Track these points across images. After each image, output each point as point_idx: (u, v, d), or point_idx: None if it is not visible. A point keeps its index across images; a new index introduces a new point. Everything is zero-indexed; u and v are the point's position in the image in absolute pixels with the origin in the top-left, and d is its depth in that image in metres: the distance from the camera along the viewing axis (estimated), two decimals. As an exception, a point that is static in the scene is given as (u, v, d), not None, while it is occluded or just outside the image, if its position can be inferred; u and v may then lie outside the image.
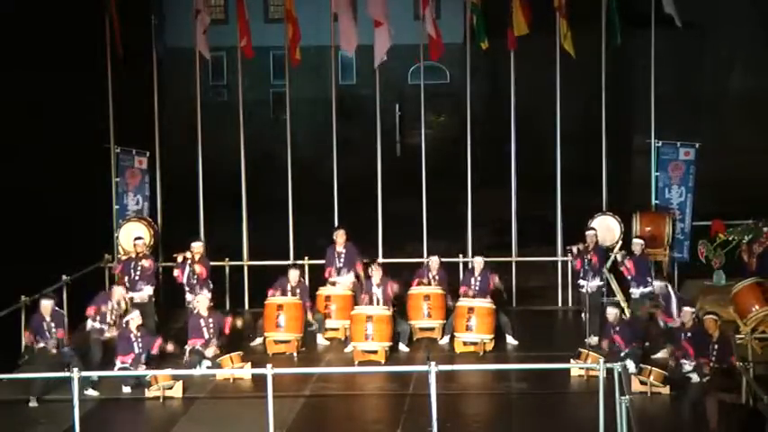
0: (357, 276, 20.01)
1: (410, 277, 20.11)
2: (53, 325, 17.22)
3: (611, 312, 17.71)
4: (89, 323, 18.18)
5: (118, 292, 18.46)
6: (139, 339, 17.29)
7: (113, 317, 18.09)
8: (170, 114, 26.87)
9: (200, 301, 18.15)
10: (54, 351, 17.06)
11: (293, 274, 19.44)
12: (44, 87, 24.89)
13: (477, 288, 19.40)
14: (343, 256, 20.11)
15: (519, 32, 21.55)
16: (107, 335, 18.02)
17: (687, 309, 17.35)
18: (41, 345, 17.07)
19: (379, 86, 22.39)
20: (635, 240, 19.76)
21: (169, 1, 24.09)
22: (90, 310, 18.16)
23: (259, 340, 19.35)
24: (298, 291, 19.38)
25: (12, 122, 24.17)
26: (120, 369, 17.13)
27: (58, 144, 24.82)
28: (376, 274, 19.28)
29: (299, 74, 23.75)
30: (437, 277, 19.81)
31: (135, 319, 17.40)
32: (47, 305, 17.38)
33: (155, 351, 17.37)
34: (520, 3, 21.51)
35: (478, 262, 19.63)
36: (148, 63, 22.67)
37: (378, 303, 19.00)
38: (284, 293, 19.29)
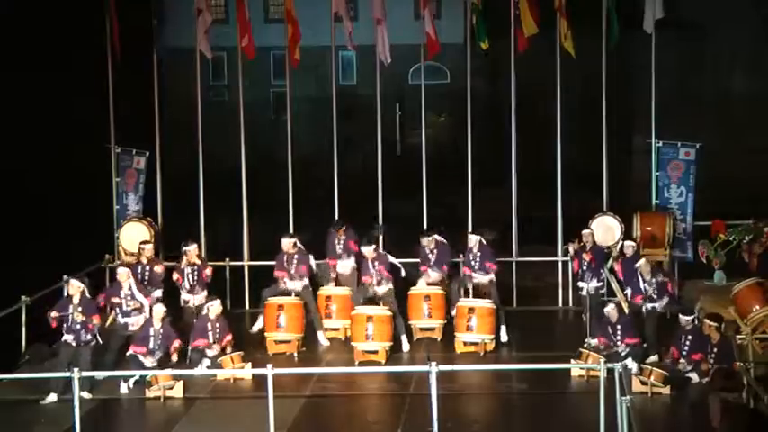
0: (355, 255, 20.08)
1: (410, 277, 20.11)
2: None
3: (610, 309, 17.70)
4: (116, 317, 18.22)
5: (123, 272, 18.37)
6: (160, 336, 17.28)
7: (130, 305, 18.06)
8: (170, 114, 26.83)
9: (214, 305, 18.12)
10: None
11: (286, 243, 19.47)
12: (44, 87, 24.83)
13: (477, 265, 19.41)
14: (342, 242, 20.16)
15: (529, 32, 21.55)
16: (132, 329, 17.96)
17: (683, 317, 17.34)
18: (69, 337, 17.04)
19: (379, 86, 22.40)
20: (626, 242, 19.72)
21: (169, 1, 24.07)
22: (100, 297, 18.09)
23: (259, 323, 19.29)
24: (295, 258, 19.41)
25: (12, 122, 24.13)
26: (130, 357, 17.14)
27: (58, 144, 24.76)
28: (368, 254, 19.36)
29: (299, 74, 23.74)
30: (435, 251, 19.82)
31: (159, 313, 17.42)
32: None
33: (172, 351, 17.31)
34: (528, 2, 21.50)
35: (474, 239, 19.64)
36: (148, 63, 22.67)
37: (379, 281, 19.06)
38: (284, 268, 19.36)
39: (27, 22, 24.74)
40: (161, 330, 17.35)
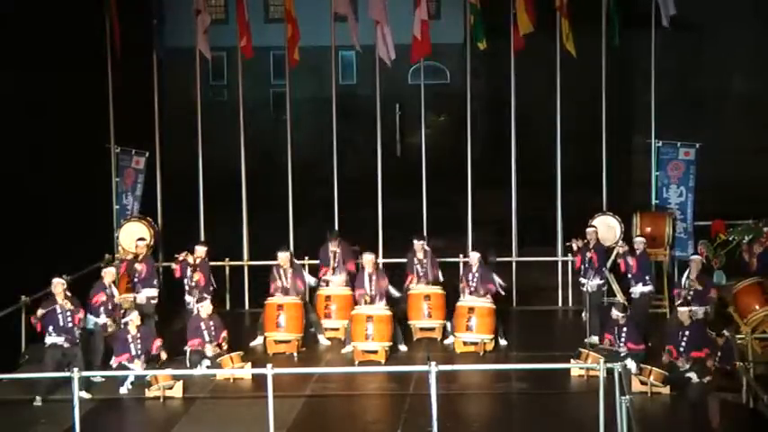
0: (349, 274, 20.03)
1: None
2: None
3: (616, 313, 17.67)
4: (91, 319, 18.06)
5: (109, 273, 18.35)
6: (138, 341, 17.24)
7: (112, 307, 18.07)
8: (170, 114, 26.85)
9: (204, 305, 18.15)
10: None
11: (282, 256, 19.45)
12: (44, 87, 24.85)
13: (475, 284, 19.39)
14: (338, 254, 20.12)
15: (524, 31, 21.53)
16: (110, 329, 18.00)
17: (682, 309, 17.36)
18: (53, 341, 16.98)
19: (379, 86, 22.40)
20: (637, 239, 19.73)
21: (169, 1, 24.05)
22: (100, 296, 18.07)
23: (259, 340, 19.36)
24: (289, 272, 19.38)
25: (12, 122, 24.15)
26: (118, 369, 17.11)
27: (58, 144, 24.77)
28: (368, 264, 19.32)
29: (299, 74, 23.76)
30: (425, 261, 19.79)
31: (134, 320, 17.37)
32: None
33: (155, 351, 17.35)
34: (524, 1, 21.50)
35: (474, 257, 19.63)
36: (148, 63, 22.67)
37: (373, 297, 19.06)
38: (280, 282, 19.31)
39: (27, 21, 24.75)
40: (138, 335, 17.31)
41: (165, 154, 22.82)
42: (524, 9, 21.46)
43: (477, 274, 19.41)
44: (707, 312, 18.08)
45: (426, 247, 20.09)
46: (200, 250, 19.41)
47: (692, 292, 18.31)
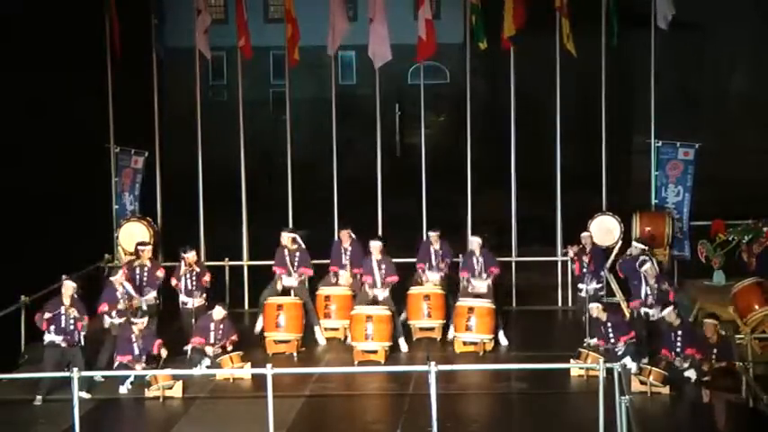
0: (354, 276, 20.05)
1: (409, 277, 20.12)
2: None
3: (593, 307, 17.71)
4: (107, 320, 18.06)
5: (117, 279, 18.37)
6: (140, 340, 17.28)
7: (126, 305, 18.10)
8: (170, 114, 26.86)
9: (218, 309, 18.14)
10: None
11: (285, 236, 19.47)
12: (44, 87, 24.87)
13: (480, 269, 19.40)
14: (349, 252, 20.14)
15: (507, 33, 21.57)
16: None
17: (669, 309, 17.36)
18: (51, 339, 16.96)
19: (379, 86, 22.40)
20: (635, 244, 19.72)
21: (169, 1, 24.07)
22: (103, 306, 18.04)
23: (260, 323, 19.30)
24: (297, 256, 19.41)
25: (12, 122, 24.16)
26: (119, 368, 17.12)
27: (58, 144, 24.79)
28: (375, 251, 19.33)
29: (299, 74, 23.75)
30: (441, 252, 19.83)
31: (144, 322, 17.41)
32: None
33: (155, 351, 17.36)
34: (512, 3, 21.50)
35: (476, 242, 19.64)
36: (148, 63, 22.68)
37: (379, 284, 19.11)
38: (284, 264, 19.35)
39: (26, 21, 24.77)
40: (141, 335, 17.33)
41: (165, 154, 22.81)
42: (511, 11, 21.46)
43: (480, 258, 19.46)
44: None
45: (440, 239, 20.15)
46: (193, 254, 19.28)
47: (656, 297, 18.20)
